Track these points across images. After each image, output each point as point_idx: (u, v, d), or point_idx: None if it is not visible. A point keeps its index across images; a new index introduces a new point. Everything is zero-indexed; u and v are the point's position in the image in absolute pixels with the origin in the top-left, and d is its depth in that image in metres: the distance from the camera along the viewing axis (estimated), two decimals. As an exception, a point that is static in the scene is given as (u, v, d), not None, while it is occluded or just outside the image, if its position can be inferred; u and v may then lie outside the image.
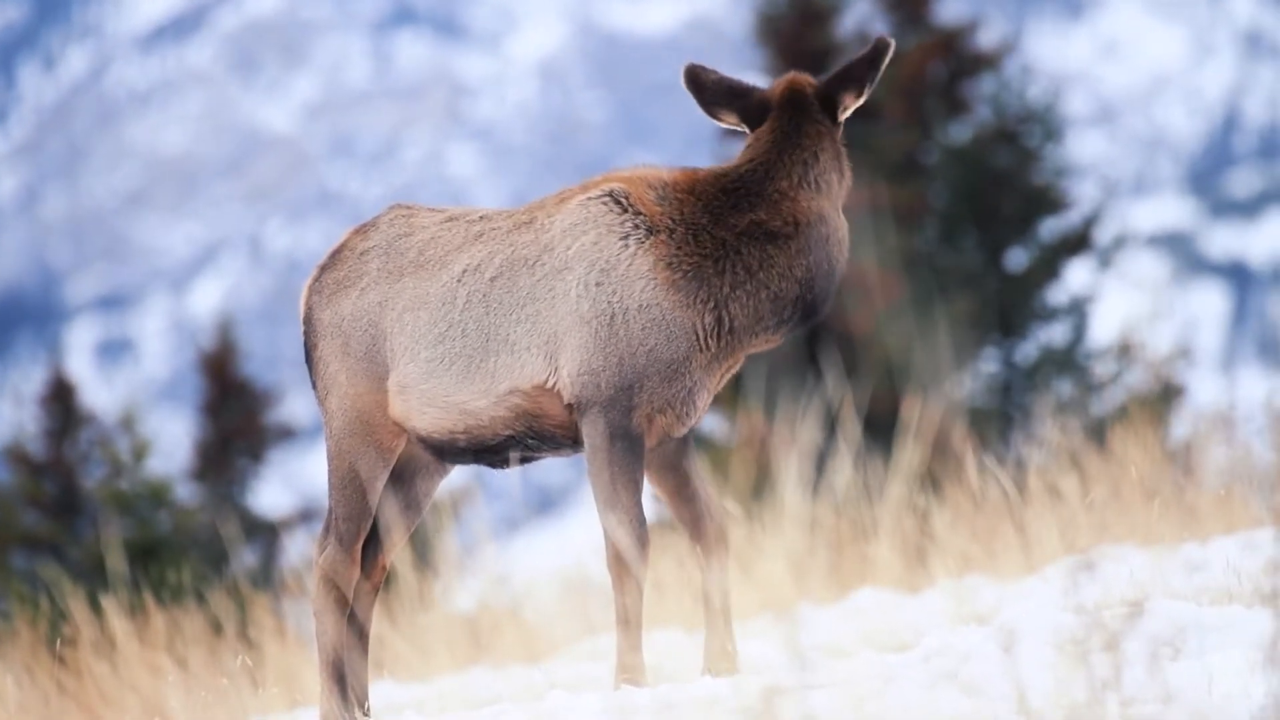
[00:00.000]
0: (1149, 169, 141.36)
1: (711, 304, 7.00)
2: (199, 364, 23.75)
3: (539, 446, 7.15)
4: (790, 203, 7.07)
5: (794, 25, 24.24)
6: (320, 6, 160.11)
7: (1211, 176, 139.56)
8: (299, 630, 12.25)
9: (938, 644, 6.15)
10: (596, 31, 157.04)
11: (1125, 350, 22.94)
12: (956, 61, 24.25)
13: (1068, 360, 23.06)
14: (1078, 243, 23.60)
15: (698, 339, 7.00)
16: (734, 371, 7.29)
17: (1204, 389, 22.78)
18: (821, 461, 11.05)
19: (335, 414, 7.32)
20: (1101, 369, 22.99)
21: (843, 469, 10.91)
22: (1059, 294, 23.55)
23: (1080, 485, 10.83)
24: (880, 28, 24.49)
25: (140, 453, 20.24)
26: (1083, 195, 23.87)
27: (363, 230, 7.49)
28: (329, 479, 7.34)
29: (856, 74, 7.18)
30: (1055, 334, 23.40)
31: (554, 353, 7.03)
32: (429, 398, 7.20)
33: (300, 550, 19.93)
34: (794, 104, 7.15)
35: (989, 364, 23.35)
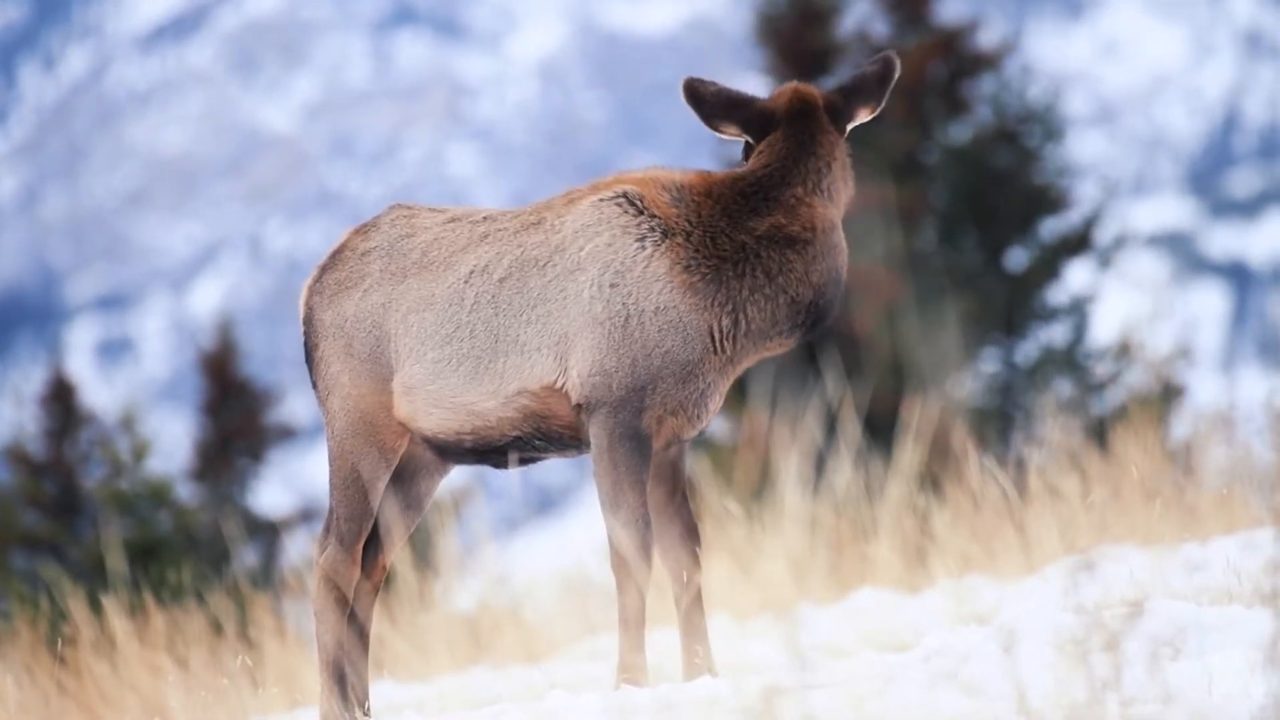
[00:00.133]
0: (1149, 169, 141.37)
1: (730, 307, 7.02)
2: (199, 364, 23.75)
3: (546, 448, 7.16)
4: (806, 208, 7.11)
5: (794, 25, 24.24)
6: (320, 6, 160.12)
7: (1211, 176, 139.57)
8: (299, 630, 12.25)
9: (938, 644, 6.15)
10: (597, 31, 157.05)
11: (1125, 350, 22.94)
12: (957, 61, 24.24)
13: (1068, 360, 23.06)
14: (1078, 243, 23.60)
15: (713, 341, 7.03)
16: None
17: (1204, 389, 22.78)
18: (822, 461, 11.05)
19: (338, 414, 7.32)
20: (1102, 369, 23.00)
21: (843, 469, 10.91)
22: (1059, 294, 23.55)
23: (1080, 485, 10.83)
24: (880, 28, 24.49)
25: (140, 453, 20.24)
26: (1083, 195, 23.87)
27: (363, 230, 7.48)
28: (330, 479, 7.34)
29: (869, 89, 7.21)
30: (1055, 334, 23.40)
31: (564, 353, 7.04)
32: (436, 399, 7.20)
33: (300, 550, 19.93)
34: (805, 113, 7.18)
35: (989, 364, 23.35)
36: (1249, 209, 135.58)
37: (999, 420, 22.65)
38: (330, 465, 7.34)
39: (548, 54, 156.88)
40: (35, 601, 14.75)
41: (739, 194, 7.11)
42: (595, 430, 6.99)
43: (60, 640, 11.67)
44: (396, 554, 7.53)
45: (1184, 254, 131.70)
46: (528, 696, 8.53)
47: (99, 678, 11.27)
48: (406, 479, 7.47)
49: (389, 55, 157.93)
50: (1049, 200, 23.67)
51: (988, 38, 24.51)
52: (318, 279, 7.46)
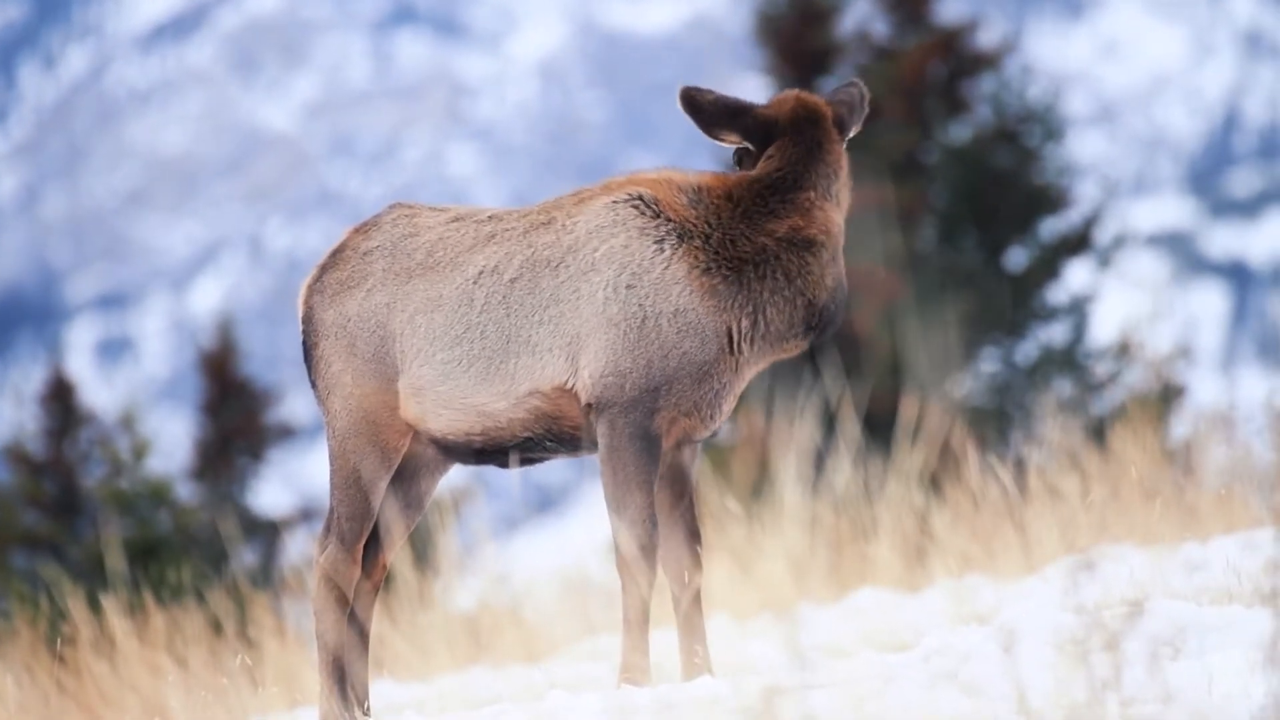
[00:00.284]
0: (1149, 169, 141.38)
1: (750, 308, 7.06)
2: (199, 363, 23.75)
3: (557, 448, 7.17)
4: (820, 212, 7.17)
5: (794, 25, 24.23)
6: (320, 6, 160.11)
7: (1211, 176, 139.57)
8: (299, 629, 12.24)
9: (938, 644, 6.15)
10: (597, 31, 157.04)
11: (1125, 350, 22.94)
12: (956, 61, 24.24)
13: (1068, 360, 23.05)
14: (1078, 242, 23.59)
15: (731, 343, 7.05)
16: None
17: (1204, 389, 22.79)
18: (821, 461, 11.05)
19: (339, 414, 7.31)
20: (1101, 369, 22.99)
21: (842, 468, 10.91)
22: (1059, 293, 23.54)
23: (1080, 485, 10.83)
24: (880, 27, 24.49)
25: (140, 452, 20.24)
26: (1083, 195, 23.87)
27: (364, 230, 7.47)
28: (331, 479, 7.33)
29: (855, 108, 7.33)
30: (1055, 333, 23.40)
31: (575, 354, 7.04)
32: (445, 400, 7.19)
33: (300, 549, 19.93)
34: (813, 121, 7.23)
35: (989, 363, 23.35)
36: (1249, 209, 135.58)
37: (999, 420, 22.65)
38: (331, 465, 7.33)
39: (548, 54, 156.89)
40: (35, 601, 14.74)
41: (757, 196, 7.15)
42: (604, 430, 6.99)
43: (60, 639, 11.67)
44: (396, 553, 7.53)
45: (1184, 254, 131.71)
46: (528, 696, 8.53)
47: (99, 677, 11.27)
48: (406, 478, 7.46)
49: (389, 55, 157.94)
50: (1049, 200, 23.66)
51: (988, 37, 24.51)
52: (318, 278, 7.45)
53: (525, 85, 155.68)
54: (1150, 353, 22.53)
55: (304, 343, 7.45)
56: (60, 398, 21.09)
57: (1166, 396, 21.87)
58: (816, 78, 24.16)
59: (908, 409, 11.37)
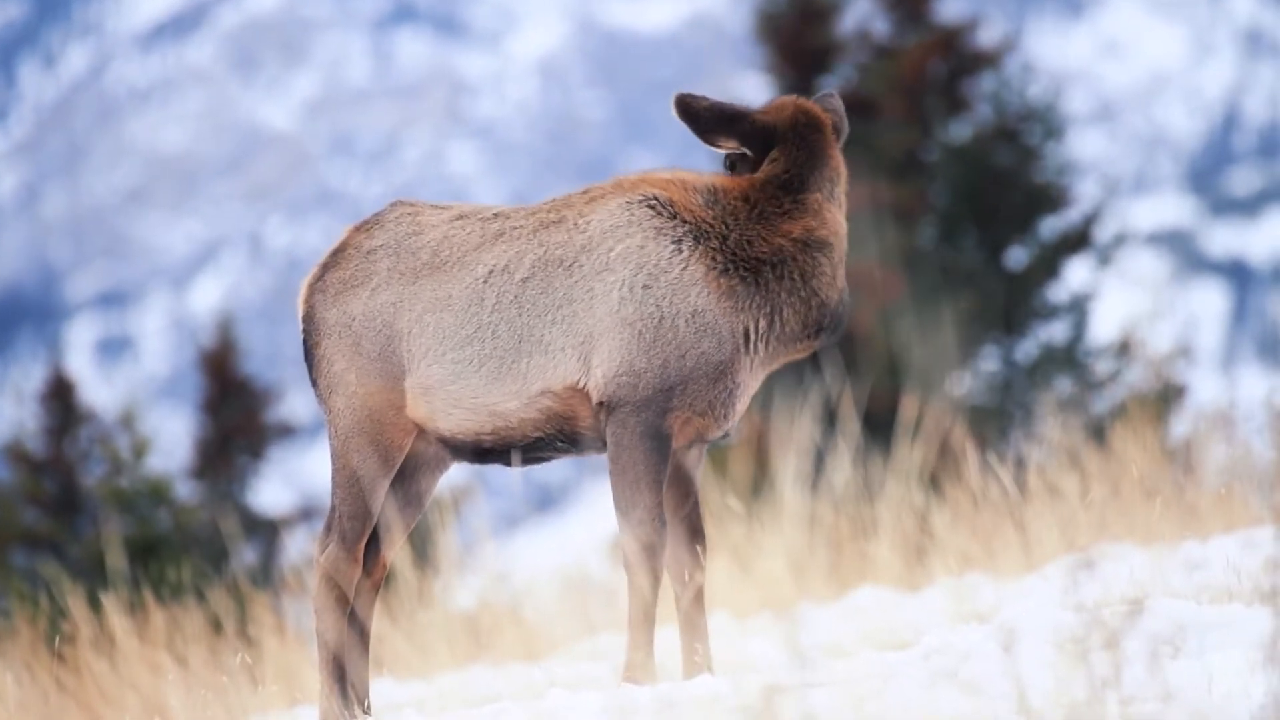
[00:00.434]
0: (1149, 167, 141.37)
1: (767, 309, 7.09)
2: (199, 362, 23.75)
3: (568, 448, 7.18)
4: (829, 214, 7.24)
5: (794, 23, 24.23)
6: (320, 5, 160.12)
7: (1211, 175, 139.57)
8: (299, 628, 12.24)
9: (937, 642, 6.15)
10: (597, 30, 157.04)
11: (1125, 348, 22.93)
12: (957, 60, 24.24)
13: (1068, 358, 23.05)
14: (1078, 241, 23.59)
15: (748, 343, 7.08)
16: None
17: (1204, 387, 22.79)
18: (821, 459, 11.05)
19: (342, 413, 7.30)
20: (1102, 367, 22.99)
21: (842, 467, 10.91)
22: (1059, 292, 23.54)
23: (1080, 483, 10.84)
24: (880, 26, 24.49)
25: (140, 450, 20.23)
26: (1083, 193, 23.86)
27: (366, 228, 7.45)
28: (333, 477, 7.32)
29: (843, 118, 7.42)
30: (1055, 332, 23.40)
31: (588, 353, 7.05)
32: (455, 399, 7.19)
33: (300, 548, 19.93)
34: (813, 127, 7.28)
35: (989, 362, 23.34)
36: (1249, 207, 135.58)
37: (999, 418, 22.65)
38: (333, 463, 7.32)
39: (548, 52, 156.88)
40: (35, 599, 14.74)
41: (772, 198, 7.18)
42: (615, 429, 7.00)
43: (60, 638, 11.67)
44: (397, 552, 7.52)
45: (1184, 252, 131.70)
46: (528, 695, 8.53)
47: (98, 675, 11.27)
48: (406, 476, 7.46)
49: (389, 53, 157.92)
50: (1049, 199, 23.66)
51: (988, 36, 24.50)
52: (319, 277, 7.43)
53: (525, 84, 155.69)
54: (1150, 351, 22.53)
55: (305, 341, 7.44)
56: (60, 396, 21.09)
57: (1166, 395, 21.87)
58: (817, 76, 24.16)
59: (907, 408, 11.37)
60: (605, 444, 7.08)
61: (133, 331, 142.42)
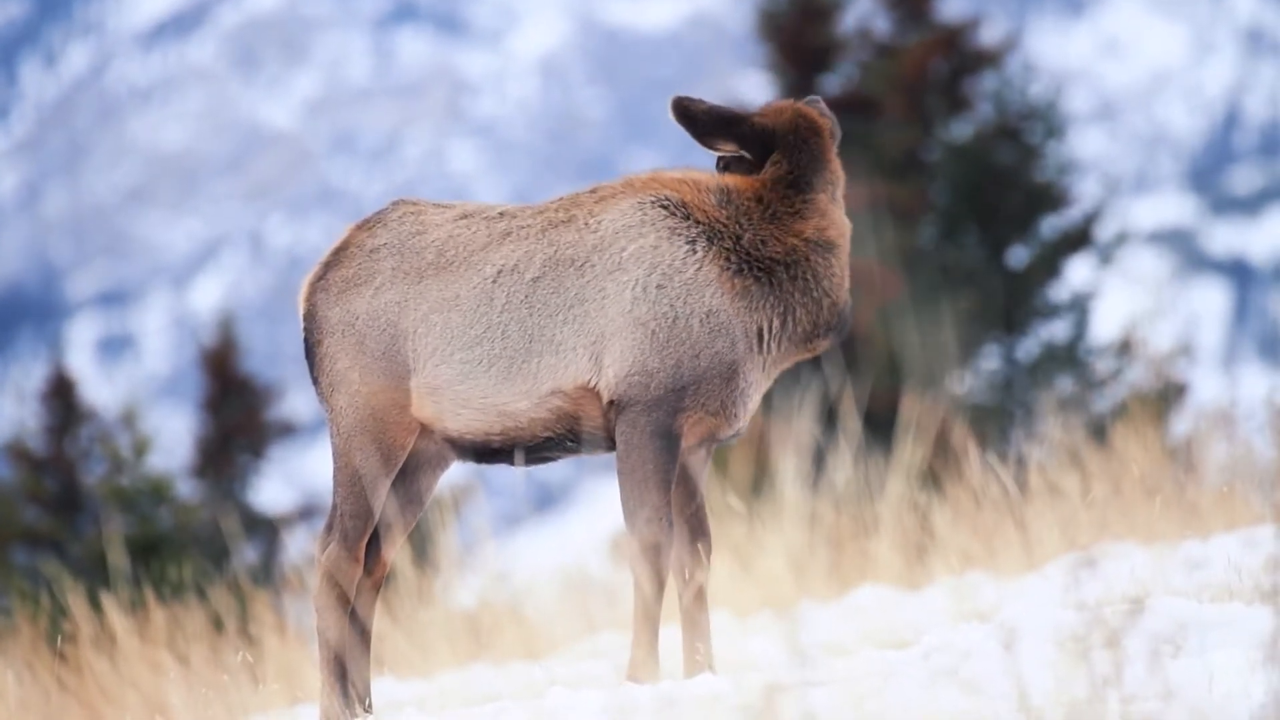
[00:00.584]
0: (1150, 166, 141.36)
1: (780, 308, 7.12)
2: (200, 360, 23.76)
3: (576, 448, 7.18)
4: (835, 214, 7.27)
5: (795, 22, 24.23)
6: (321, 3, 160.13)
7: (1212, 174, 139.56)
8: (299, 627, 12.24)
9: (938, 641, 6.15)
10: (597, 28, 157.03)
11: (1126, 347, 22.93)
12: (958, 58, 24.24)
13: (1069, 357, 23.05)
14: (1079, 240, 23.59)
15: (761, 343, 7.10)
16: None
17: (1205, 386, 22.79)
18: (822, 458, 11.05)
19: (345, 411, 7.29)
20: (1103, 366, 22.99)
21: (843, 465, 10.91)
22: (1060, 291, 23.54)
23: (1081, 482, 10.84)
24: (881, 25, 24.49)
25: (141, 449, 20.23)
26: (1084, 192, 23.87)
27: (368, 227, 7.44)
28: (335, 476, 7.32)
29: (835, 122, 7.46)
30: (1056, 331, 23.40)
31: (600, 353, 7.05)
32: (464, 399, 7.18)
33: (301, 547, 19.93)
34: (813, 131, 7.31)
35: (990, 361, 23.34)
36: (1250, 206, 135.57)
37: (1000, 417, 22.65)
38: (335, 462, 7.31)
39: (548, 51, 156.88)
40: (36, 598, 14.74)
41: (783, 197, 7.20)
42: (625, 428, 7.00)
43: (61, 636, 11.67)
44: (398, 550, 7.52)
45: (1185, 251, 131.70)
46: (528, 694, 8.53)
47: (99, 674, 11.27)
48: (407, 475, 7.45)
49: (390, 52, 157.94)
50: (1050, 197, 23.66)
51: (989, 35, 24.51)
52: (321, 275, 7.41)
53: (526, 82, 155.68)
54: (1151, 350, 22.53)
55: (306, 340, 7.43)
56: (61, 395, 21.09)
57: (1167, 394, 21.87)
58: (818, 75, 24.16)
59: (908, 406, 11.37)
60: (613, 444, 7.08)
61: (133, 330, 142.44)
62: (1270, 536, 9.16)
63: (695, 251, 7.10)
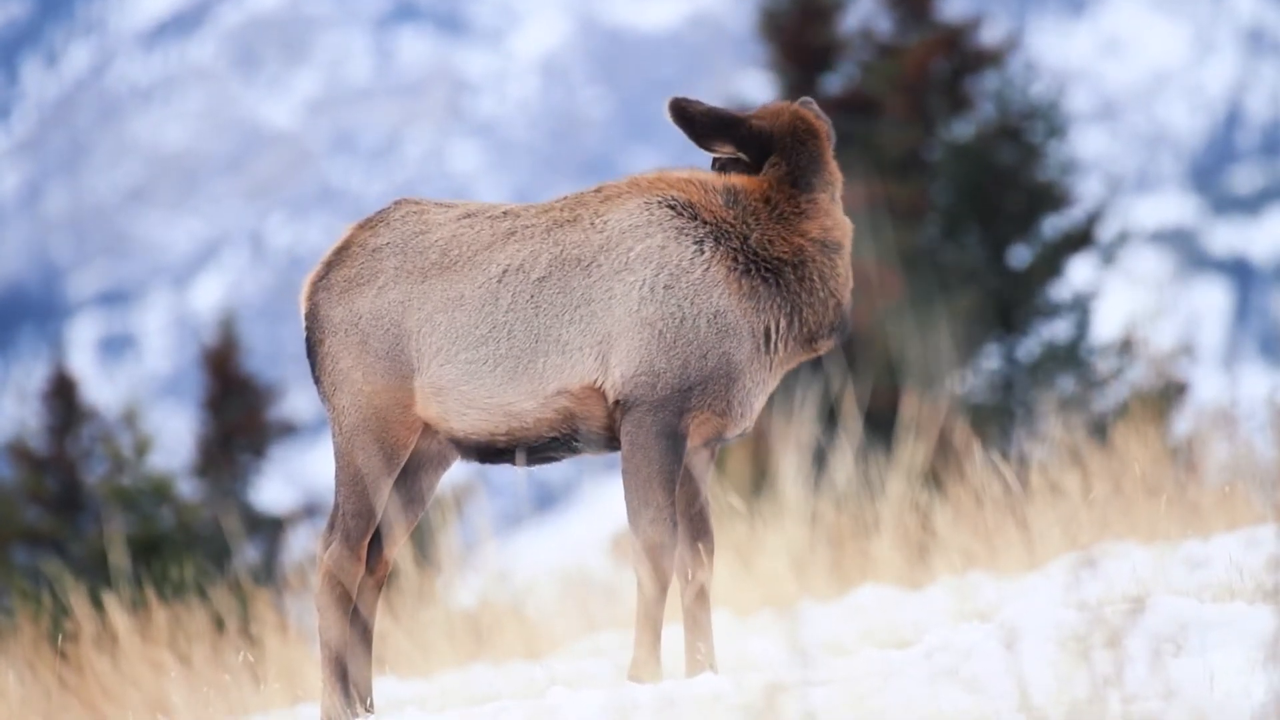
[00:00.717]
0: (1151, 165, 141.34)
1: (787, 309, 7.13)
2: (201, 360, 23.76)
3: (581, 448, 7.18)
4: (838, 214, 7.28)
5: (796, 21, 24.23)
6: (322, 3, 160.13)
7: (1214, 173, 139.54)
8: (301, 626, 12.25)
9: (939, 641, 6.15)
10: (598, 28, 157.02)
11: (1128, 346, 22.93)
12: (959, 58, 24.23)
13: (1070, 357, 23.05)
14: (1080, 239, 23.58)
15: (768, 343, 7.10)
16: None
17: (1206, 385, 22.78)
18: (823, 457, 11.04)
19: (347, 411, 7.28)
20: (1104, 365, 22.98)
21: (844, 465, 10.91)
22: (1061, 290, 23.53)
23: (1082, 482, 10.84)
24: (883, 24, 24.48)
25: (142, 448, 20.24)
26: (1085, 192, 23.86)
27: (370, 226, 7.43)
28: (338, 476, 7.31)
29: (830, 125, 7.47)
30: (1058, 330, 23.39)
31: (606, 353, 7.05)
32: (469, 399, 7.17)
33: (302, 546, 19.95)
34: (811, 133, 7.33)
35: (991, 360, 23.34)
36: (1251, 205, 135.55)
37: (1001, 416, 22.65)
38: (337, 462, 7.31)
39: (549, 50, 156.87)
40: (37, 597, 14.75)
41: (789, 198, 7.21)
42: (630, 427, 7.00)
43: (62, 636, 11.67)
44: (399, 550, 7.52)
45: (1186, 250, 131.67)
46: (529, 693, 8.53)
47: (101, 673, 11.27)
48: (409, 474, 7.45)
49: (390, 51, 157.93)
50: (1051, 197, 23.65)
51: (990, 34, 24.50)
52: (323, 275, 7.40)
53: (526, 82, 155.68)
54: (1152, 349, 22.53)
55: (308, 339, 7.42)
56: (62, 394, 21.10)
57: (1169, 393, 21.87)
58: (819, 75, 24.16)
59: (909, 405, 11.38)
60: (618, 444, 7.08)
61: (134, 329, 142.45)
62: (1271, 536, 9.16)
63: (703, 252, 7.10)
